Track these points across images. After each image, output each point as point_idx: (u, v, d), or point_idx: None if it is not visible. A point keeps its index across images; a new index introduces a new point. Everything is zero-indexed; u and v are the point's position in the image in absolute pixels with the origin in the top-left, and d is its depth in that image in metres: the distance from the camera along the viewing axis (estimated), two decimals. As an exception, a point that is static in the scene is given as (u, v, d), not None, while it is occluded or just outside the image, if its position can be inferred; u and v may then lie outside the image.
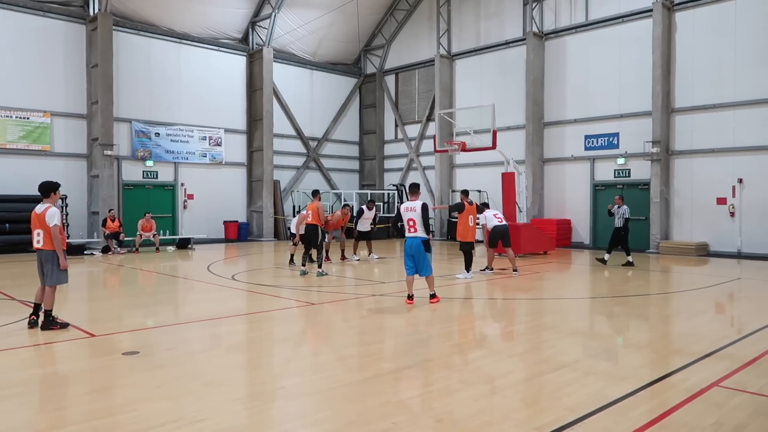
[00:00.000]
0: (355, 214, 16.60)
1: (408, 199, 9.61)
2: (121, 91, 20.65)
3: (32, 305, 7.51)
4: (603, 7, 20.19)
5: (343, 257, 15.83)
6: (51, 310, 7.30)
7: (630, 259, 14.65)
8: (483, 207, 13.86)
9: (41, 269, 7.36)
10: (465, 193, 13.23)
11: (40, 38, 19.29)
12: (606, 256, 14.91)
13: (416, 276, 9.24)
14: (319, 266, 12.70)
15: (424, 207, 9.17)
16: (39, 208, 7.29)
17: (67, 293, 11.44)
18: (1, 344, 6.60)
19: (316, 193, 13.92)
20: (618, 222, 14.60)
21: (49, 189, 7.34)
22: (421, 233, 9.10)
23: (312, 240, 12.77)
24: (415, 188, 9.65)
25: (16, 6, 18.81)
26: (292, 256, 14.85)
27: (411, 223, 9.14)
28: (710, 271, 14.28)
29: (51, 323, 7.24)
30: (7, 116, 18.61)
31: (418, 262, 9.11)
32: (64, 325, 7.31)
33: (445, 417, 4.37)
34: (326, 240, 14.88)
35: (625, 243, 14.65)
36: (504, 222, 13.39)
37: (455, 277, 12.23)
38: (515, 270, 12.97)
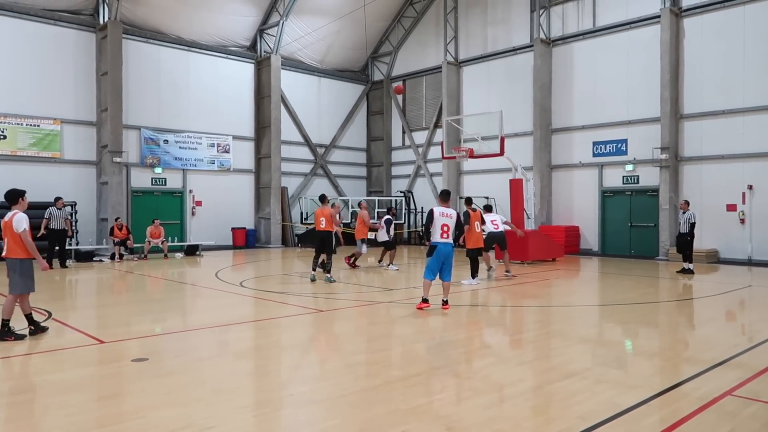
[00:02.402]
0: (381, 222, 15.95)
1: (439, 205, 9.48)
2: (130, 98, 20.80)
3: (42, 312, 7.52)
4: (610, 13, 20.18)
5: (354, 265, 15.60)
6: (8, 320, 7.08)
7: (690, 266, 14.41)
8: (485, 209, 13.93)
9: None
10: (468, 201, 13.28)
11: (50, 47, 19.49)
12: (689, 266, 14.55)
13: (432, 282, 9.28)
14: (328, 272, 12.66)
15: (459, 217, 9.43)
16: (6, 216, 7.18)
17: (75, 299, 11.51)
18: (11, 351, 6.63)
19: (324, 198, 13.56)
20: (683, 228, 14.37)
21: (16, 196, 7.30)
22: (451, 239, 9.20)
23: (325, 246, 12.73)
24: (446, 195, 9.66)
25: (27, 15, 19.02)
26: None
27: (446, 228, 9.13)
28: (720, 278, 14.16)
29: (6, 333, 7.00)
30: (18, 124, 18.78)
31: (445, 267, 9.17)
32: (20, 337, 7.06)
33: (455, 425, 4.34)
34: (336, 246, 14.96)
35: (689, 249, 14.39)
36: (500, 228, 13.61)
37: (460, 283, 12.20)
38: (508, 271, 13.29)
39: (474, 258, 12.60)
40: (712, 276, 14.54)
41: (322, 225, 12.68)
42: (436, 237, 9.15)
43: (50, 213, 15.65)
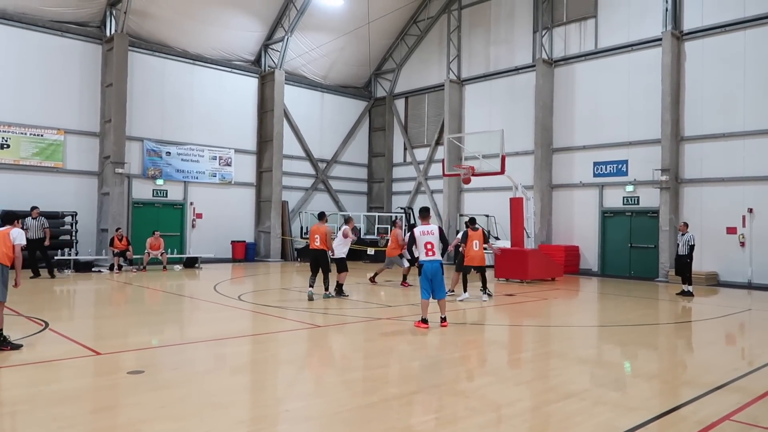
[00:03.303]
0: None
1: (420, 223, 9.56)
2: (134, 110, 20.92)
3: (39, 322, 7.49)
4: (612, 35, 20.36)
5: (406, 283, 15.09)
6: (1, 329, 7.09)
7: (689, 289, 14.25)
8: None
9: None
10: (470, 221, 13.31)
11: (57, 57, 19.66)
12: (688, 288, 14.36)
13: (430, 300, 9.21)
14: (326, 288, 12.59)
15: (441, 230, 9.36)
16: (1, 228, 7.39)
17: (73, 310, 11.47)
18: (7, 361, 6.60)
19: (322, 216, 13.06)
20: (682, 249, 14.22)
21: (12, 218, 7.59)
22: (438, 256, 9.15)
23: (321, 265, 12.39)
24: (425, 212, 9.65)
25: (35, 26, 19.20)
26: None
27: (429, 246, 9.12)
28: (720, 301, 14.12)
29: (2, 343, 7.03)
30: (22, 133, 18.87)
31: (435, 285, 9.11)
32: (16, 347, 7.08)
33: (451, 445, 4.30)
34: (402, 266, 15.02)
35: (688, 272, 14.25)
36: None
37: (456, 300, 12.19)
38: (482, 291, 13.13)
39: (464, 274, 12.77)
40: (712, 299, 14.49)
41: (316, 243, 12.30)
42: (422, 256, 9.18)
43: (26, 224, 15.29)
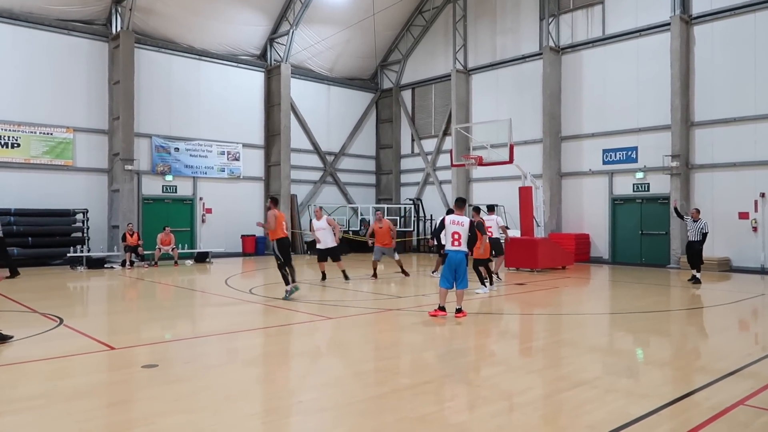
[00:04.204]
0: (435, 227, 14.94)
1: (454, 212, 9.51)
2: (141, 106, 21.00)
3: (54, 318, 7.57)
4: (620, 21, 20.15)
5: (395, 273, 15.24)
6: None
7: (698, 275, 14.12)
8: (488, 210, 13.82)
9: None
10: (476, 210, 13.21)
11: (64, 56, 19.76)
12: (697, 275, 14.19)
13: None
14: (293, 280, 11.45)
15: (472, 224, 9.29)
16: None
17: (87, 306, 11.59)
18: (22, 356, 6.68)
19: (276, 201, 12.34)
20: (694, 236, 14.09)
21: None
22: (464, 247, 9.12)
23: (287, 255, 11.40)
24: (461, 203, 9.52)
25: (42, 25, 19.30)
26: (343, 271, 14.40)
27: (456, 236, 9.10)
28: (733, 287, 14.02)
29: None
30: (32, 132, 19.01)
31: (458, 275, 9.10)
32: (6, 337, 7.19)
33: (464, 434, 4.32)
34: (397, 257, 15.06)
35: (699, 258, 14.15)
36: (494, 235, 13.76)
37: (475, 292, 12.11)
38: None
39: (477, 267, 12.37)
40: (724, 285, 14.40)
41: (285, 231, 11.44)
42: (448, 245, 9.19)
43: None
